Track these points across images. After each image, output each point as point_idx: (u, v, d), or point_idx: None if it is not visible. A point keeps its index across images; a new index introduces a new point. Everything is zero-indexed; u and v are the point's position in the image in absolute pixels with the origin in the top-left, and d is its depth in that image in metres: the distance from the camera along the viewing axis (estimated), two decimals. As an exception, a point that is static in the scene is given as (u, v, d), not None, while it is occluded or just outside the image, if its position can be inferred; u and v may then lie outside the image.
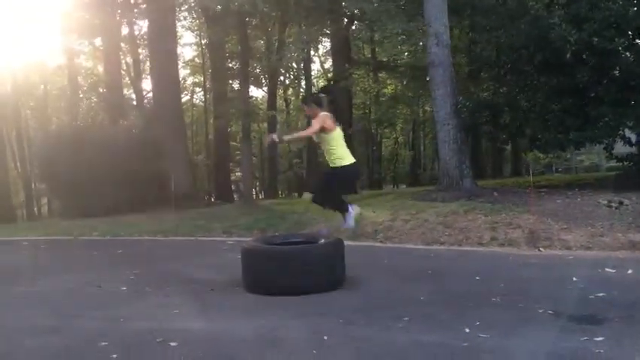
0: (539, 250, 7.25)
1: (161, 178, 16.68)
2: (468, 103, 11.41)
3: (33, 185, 27.88)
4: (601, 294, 4.81)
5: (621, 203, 8.60)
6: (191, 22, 28.78)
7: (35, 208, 29.11)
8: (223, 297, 5.10)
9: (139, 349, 3.70)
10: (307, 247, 5.32)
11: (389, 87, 29.70)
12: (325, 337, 3.81)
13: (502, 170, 26.75)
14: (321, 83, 37.54)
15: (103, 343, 3.78)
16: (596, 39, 9.03)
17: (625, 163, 11.07)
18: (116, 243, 9.42)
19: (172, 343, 3.75)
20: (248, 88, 14.61)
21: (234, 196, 22.45)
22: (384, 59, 24.50)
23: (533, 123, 10.84)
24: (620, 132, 9.88)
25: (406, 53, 26.40)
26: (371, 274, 5.88)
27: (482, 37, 11.88)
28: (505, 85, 11.92)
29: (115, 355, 3.54)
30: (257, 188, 42.93)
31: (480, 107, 11.46)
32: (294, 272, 4.94)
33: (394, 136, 39.02)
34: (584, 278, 5.45)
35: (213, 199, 22.13)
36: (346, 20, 19.47)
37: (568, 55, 9.22)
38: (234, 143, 28.13)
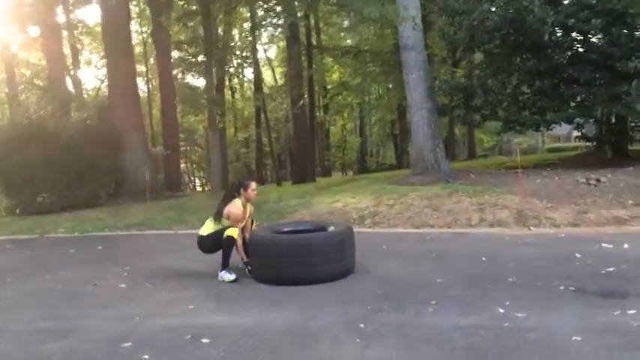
0: (529, 229, 7.35)
1: (119, 170, 16.07)
2: (444, 87, 11.45)
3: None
4: (611, 269, 4.91)
5: (599, 181, 8.85)
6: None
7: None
8: (235, 290, 4.87)
9: (169, 349, 3.45)
10: (322, 235, 5.15)
11: (335, 73, 29.67)
12: (362, 325, 3.68)
13: (455, 153, 27.26)
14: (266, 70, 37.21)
15: (127, 344, 3.53)
16: (572, 20, 9.22)
17: (591, 144, 11.41)
18: (90, 239, 8.93)
19: (204, 340, 3.54)
20: (212, 76, 14.12)
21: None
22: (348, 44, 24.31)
23: (507, 105, 10.98)
24: (596, 111, 10.16)
25: (349, 40, 26.39)
26: (376, 260, 5.77)
27: (455, 21, 11.92)
28: (477, 67, 12.02)
29: (146, 356, 3.30)
30: (203, 180, 42.36)
31: (454, 90, 11.52)
32: (310, 261, 4.77)
33: (342, 123, 39.28)
34: (587, 254, 5.55)
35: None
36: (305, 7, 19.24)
37: (546, 37, 9.35)
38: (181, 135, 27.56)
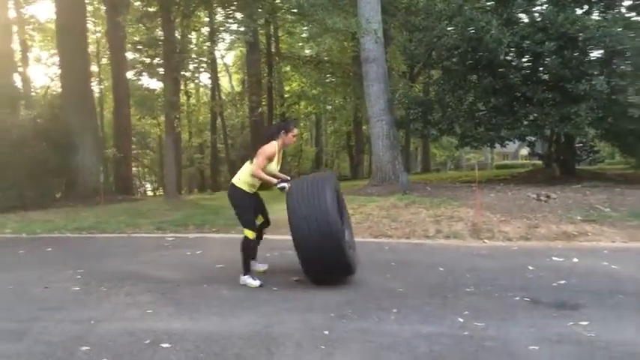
0: (483, 241, 7.55)
1: (70, 171, 15.60)
2: (404, 100, 11.65)
3: None
4: (562, 282, 5.10)
5: (549, 197, 9.19)
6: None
7: None
8: (194, 294, 4.79)
9: (128, 353, 3.36)
10: None
11: (295, 82, 29.73)
12: (326, 332, 3.69)
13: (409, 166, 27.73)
14: (223, 77, 36.97)
15: (84, 348, 3.43)
16: (527, 42, 9.59)
17: (541, 161, 11.85)
18: (39, 241, 8.60)
19: (164, 345, 3.48)
20: (171, 79, 13.91)
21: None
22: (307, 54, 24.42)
23: (463, 120, 11.29)
24: (547, 130, 10.57)
25: (307, 50, 26.53)
26: (337, 268, 5.79)
27: (415, 36, 12.20)
28: (435, 83, 12.31)
29: (105, 361, 3.21)
30: (154, 184, 41.56)
31: (413, 104, 11.75)
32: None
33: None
34: (539, 267, 5.75)
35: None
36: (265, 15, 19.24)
37: (502, 57, 9.69)
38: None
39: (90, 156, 15.73)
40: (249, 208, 5.17)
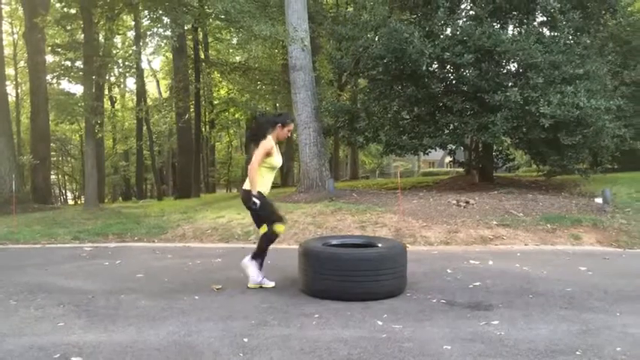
0: (405, 246, 7.73)
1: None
2: (330, 108, 11.79)
3: None
4: (477, 283, 5.33)
5: (468, 203, 9.56)
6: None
7: None
8: (110, 306, 4.62)
9: (35, 369, 3.20)
10: (379, 250, 5.00)
11: (223, 89, 29.48)
12: (245, 340, 3.66)
13: (339, 173, 28.12)
14: (150, 82, 36.14)
15: (-13, 366, 3.22)
16: (447, 53, 9.97)
17: (461, 169, 12.30)
18: (-58, 253, 8.05)
19: (75, 359, 3.32)
20: (91, 83, 13.42)
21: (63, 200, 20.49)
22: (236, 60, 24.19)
23: (388, 129, 11.56)
24: (466, 139, 11.00)
25: (237, 57, 26.43)
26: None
27: (342, 46, 12.41)
28: (362, 92, 12.54)
29: (8, 378, 3.04)
30: (76, 193, 39.96)
31: (339, 112, 11.92)
32: (366, 276, 4.69)
33: (227, 139, 39.09)
34: (457, 270, 5.98)
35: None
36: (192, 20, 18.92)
37: (424, 67, 10.02)
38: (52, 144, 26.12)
39: (3, 163, 14.92)
40: (269, 203, 5.11)
